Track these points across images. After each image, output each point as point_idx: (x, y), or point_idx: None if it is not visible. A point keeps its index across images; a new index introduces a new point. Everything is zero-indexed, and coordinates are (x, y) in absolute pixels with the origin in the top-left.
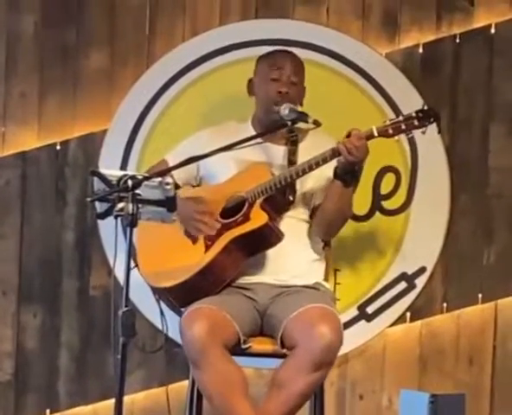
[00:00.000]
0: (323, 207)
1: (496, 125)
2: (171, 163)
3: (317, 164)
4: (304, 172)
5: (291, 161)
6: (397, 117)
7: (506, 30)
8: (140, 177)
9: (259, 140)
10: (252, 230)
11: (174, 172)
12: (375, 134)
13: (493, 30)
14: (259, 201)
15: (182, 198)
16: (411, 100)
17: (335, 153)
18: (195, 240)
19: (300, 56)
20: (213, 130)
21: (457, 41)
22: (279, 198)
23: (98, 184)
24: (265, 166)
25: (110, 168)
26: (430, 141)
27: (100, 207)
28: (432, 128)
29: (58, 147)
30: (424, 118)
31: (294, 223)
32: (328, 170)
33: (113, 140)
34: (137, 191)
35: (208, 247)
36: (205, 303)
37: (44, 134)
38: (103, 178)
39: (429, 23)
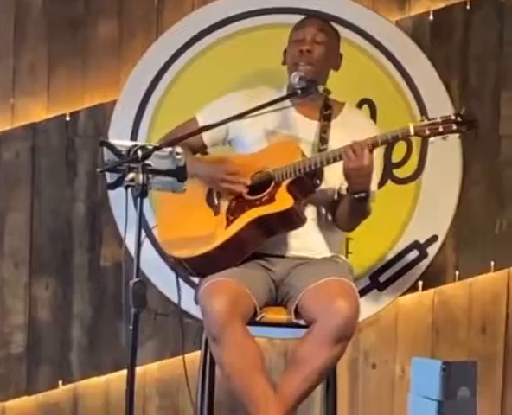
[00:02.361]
0: (340, 211)
1: (506, 93)
2: (201, 123)
3: None
4: (335, 160)
5: (323, 138)
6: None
7: None
8: (150, 147)
9: (291, 110)
10: (276, 212)
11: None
12: (411, 132)
13: None
14: (285, 182)
15: (209, 160)
16: (421, 67)
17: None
18: (217, 212)
19: None
20: (247, 93)
21: (468, 7)
22: (307, 181)
23: (108, 155)
24: (295, 144)
25: (120, 138)
26: (440, 109)
27: (111, 177)
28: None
29: (67, 118)
30: (462, 123)
31: (318, 205)
32: None
33: (123, 110)
34: (148, 161)
35: (229, 222)
36: (224, 275)
37: (53, 105)
38: (113, 148)
39: None
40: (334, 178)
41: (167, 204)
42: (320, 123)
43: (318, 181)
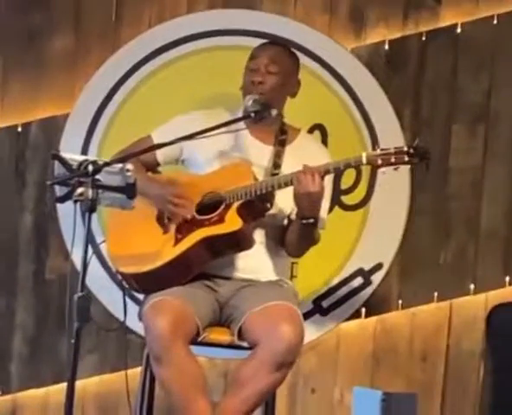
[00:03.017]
0: (289, 236)
1: (458, 126)
2: (156, 140)
3: None
4: (287, 184)
5: (276, 163)
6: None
7: (472, 30)
8: (101, 163)
9: (246, 133)
10: (224, 233)
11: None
12: (364, 161)
13: (459, 30)
14: (236, 204)
15: (160, 181)
16: (374, 96)
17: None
18: (166, 230)
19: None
20: (206, 114)
21: (423, 39)
22: (257, 204)
23: (58, 168)
24: (248, 167)
25: (71, 152)
26: (391, 138)
27: (60, 190)
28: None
29: (19, 129)
30: (414, 155)
31: (267, 229)
32: None
33: (75, 124)
34: (98, 177)
35: (177, 240)
36: (168, 294)
37: (6, 115)
38: (64, 162)
39: (396, 20)
40: (285, 204)
41: (117, 220)
42: (274, 148)
43: (269, 205)
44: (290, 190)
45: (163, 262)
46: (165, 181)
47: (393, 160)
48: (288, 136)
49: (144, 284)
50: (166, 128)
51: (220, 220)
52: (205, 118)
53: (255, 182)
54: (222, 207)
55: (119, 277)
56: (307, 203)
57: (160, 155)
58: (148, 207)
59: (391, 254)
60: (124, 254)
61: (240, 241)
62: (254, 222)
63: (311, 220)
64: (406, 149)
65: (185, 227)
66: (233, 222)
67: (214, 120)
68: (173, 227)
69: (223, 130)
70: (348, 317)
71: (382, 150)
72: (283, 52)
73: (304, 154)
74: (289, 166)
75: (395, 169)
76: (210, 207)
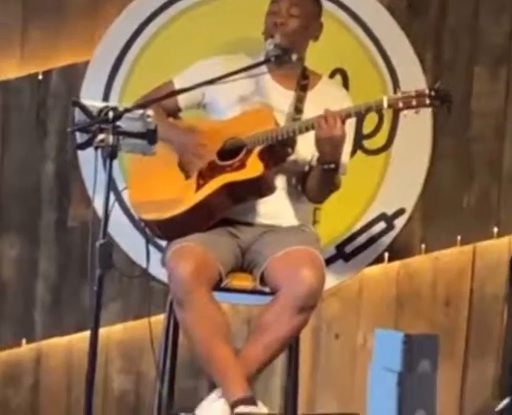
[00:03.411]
0: (310, 182)
1: (479, 68)
2: (178, 86)
3: None
4: (308, 129)
5: (298, 108)
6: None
7: None
8: (121, 109)
9: (268, 78)
10: (246, 179)
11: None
12: (385, 105)
13: None
14: (257, 149)
15: (182, 127)
16: (396, 39)
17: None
18: (188, 175)
19: None
20: (226, 59)
21: None
22: (279, 149)
23: (79, 115)
24: (270, 112)
25: (92, 99)
26: (413, 81)
27: (81, 137)
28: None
29: (40, 77)
30: (436, 97)
31: (288, 175)
32: None
33: (96, 71)
34: (118, 123)
35: (199, 186)
36: (190, 240)
37: (26, 63)
38: (84, 109)
39: None
40: (306, 150)
41: (138, 166)
42: (296, 93)
43: (290, 151)
44: (311, 136)
45: (185, 208)
46: (186, 127)
47: (414, 103)
48: (310, 81)
49: (166, 230)
50: (187, 73)
51: (242, 165)
52: (226, 62)
53: (276, 127)
54: (243, 152)
55: (142, 223)
56: (328, 148)
57: (181, 100)
58: (169, 153)
59: (413, 198)
60: (146, 201)
61: (261, 187)
62: (275, 168)
63: (332, 166)
64: (427, 91)
65: (207, 173)
66: (254, 168)
67: (235, 65)
68: (195, 173)
69: (244, 74)
70: (372, 262)
71: (403, 93)
72: None
73: (325, 99)
74: (310, 111)
75: (416, 112)
76: (232, 152)
